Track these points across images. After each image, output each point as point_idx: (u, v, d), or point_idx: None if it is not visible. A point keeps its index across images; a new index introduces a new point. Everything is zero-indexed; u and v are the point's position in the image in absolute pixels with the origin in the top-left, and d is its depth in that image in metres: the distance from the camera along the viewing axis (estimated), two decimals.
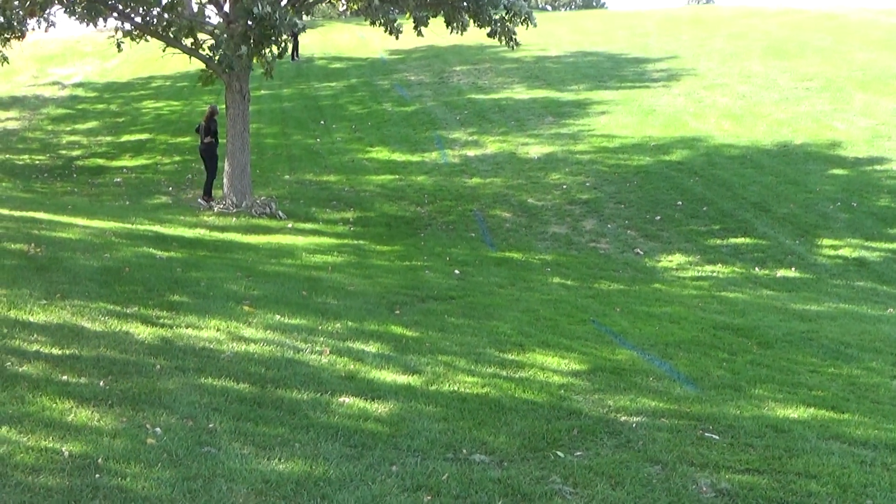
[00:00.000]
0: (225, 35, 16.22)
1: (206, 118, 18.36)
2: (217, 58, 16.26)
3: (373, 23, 18.23)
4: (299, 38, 33.85)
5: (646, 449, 5.93)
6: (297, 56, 33.95)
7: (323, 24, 44.25)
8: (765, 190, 18.76)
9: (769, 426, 6.55)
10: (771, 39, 32.48)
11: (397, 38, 18.72)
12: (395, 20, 18.29)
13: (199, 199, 18.20)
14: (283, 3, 17.38)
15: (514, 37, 17.98)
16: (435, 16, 18.25)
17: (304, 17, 20.05)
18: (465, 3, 17.34)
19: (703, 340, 9.65)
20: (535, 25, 18.04)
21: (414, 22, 18.03)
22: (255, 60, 16.91)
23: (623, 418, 6.56)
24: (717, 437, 6.23)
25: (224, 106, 18.07)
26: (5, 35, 18.51)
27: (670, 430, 6.34)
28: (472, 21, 17.70)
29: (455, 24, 17.78)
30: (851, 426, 6.75)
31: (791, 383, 8.04)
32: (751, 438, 6.26)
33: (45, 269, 9.72)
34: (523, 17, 17.57)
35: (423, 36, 18.33)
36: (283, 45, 16.66)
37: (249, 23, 15.67)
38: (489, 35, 17.99)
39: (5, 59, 22.86)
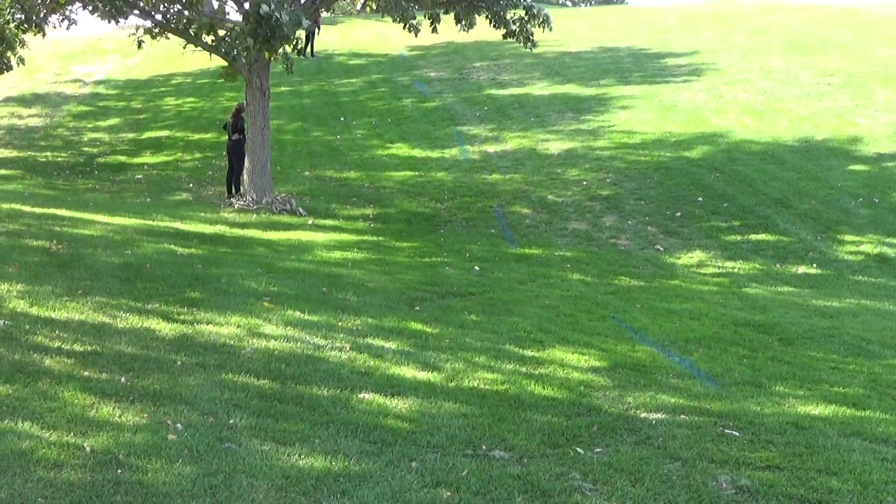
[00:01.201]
0: (236, 29, 16.30)
1: (232, 115, 18.37)
2: (223, 49, 16.34)
3: (393, 19, 18.29)
4: (317, 34, 33.87)
5: (666, 446, 5.92)
6: (313, 53, 33.89)
7: (343, 20, 44.30)
8: (786, 186, 18.65)
9: (790, 423, 6.52)
10: (792, 35, 32.24)
11: (416, 35, 18.77)
12: (414, 17, 18.33)
13: (228, 199, 18.12)
14: (301, 0, 17.43)
15: (531, 37, 18.05)
16: (447, 13, 18.29)
17: (324, 13, 20.09)
18: (482, 3, 17.35)
19: (723, 337, 9.62)
20: (552, 30, 18.12)
21: (430, 18, 18.07)
22: (270, 57, 16.94)
23: (643, 415, 6.55)
24: (737, 434, 6.21)
25: (245, 102, 18.13)
26: (23, 27, 18.58)
27: (690, 426, 6.32)
28: (489, 21, 17.75)
29: (464, 23, 17.84)
30: (873, 423, 6.72)
31: (812, 380, 8.01)
32: (771, 435, 6.23)
33: (66, 265, 9.79)
34: (541, 20, 17.65)
35: (437, 32, 18.37)
36: (294, 42, 16.63)
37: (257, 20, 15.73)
38: (505, 36, 18.12)
39: (21, 61, 23.05)
